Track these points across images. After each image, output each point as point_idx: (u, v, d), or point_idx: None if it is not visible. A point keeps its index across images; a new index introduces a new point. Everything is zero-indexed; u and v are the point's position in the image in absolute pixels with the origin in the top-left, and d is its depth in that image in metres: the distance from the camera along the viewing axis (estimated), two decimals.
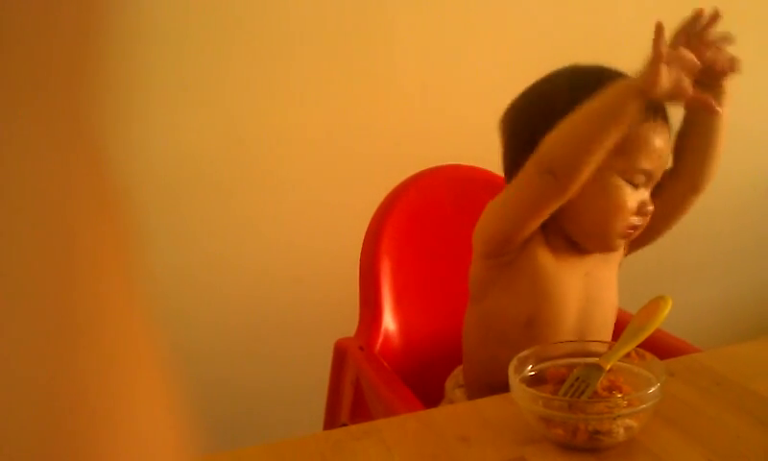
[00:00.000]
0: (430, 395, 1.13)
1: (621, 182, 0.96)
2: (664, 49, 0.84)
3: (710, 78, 0.91)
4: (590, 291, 1.02)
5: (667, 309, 0.89)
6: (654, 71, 0.84)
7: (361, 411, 1.16)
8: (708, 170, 1.01)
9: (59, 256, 0.14)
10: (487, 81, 1.76)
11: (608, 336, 1.05)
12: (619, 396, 0.80)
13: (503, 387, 0.84)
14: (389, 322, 1.27)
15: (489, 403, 0.88)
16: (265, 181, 1.69)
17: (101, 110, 0.15)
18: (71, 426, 0.14)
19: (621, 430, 0.77)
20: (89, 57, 0.15)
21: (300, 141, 1.70)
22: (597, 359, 0.86)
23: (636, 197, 0.97)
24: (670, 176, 1.02)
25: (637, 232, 1.00)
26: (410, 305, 1.29)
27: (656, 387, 0.78)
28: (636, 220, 0.98)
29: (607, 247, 1.01)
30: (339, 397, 1.27)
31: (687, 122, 1.00)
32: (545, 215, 0.94)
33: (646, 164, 0.95)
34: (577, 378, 0.84)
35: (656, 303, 0.92)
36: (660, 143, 0.96)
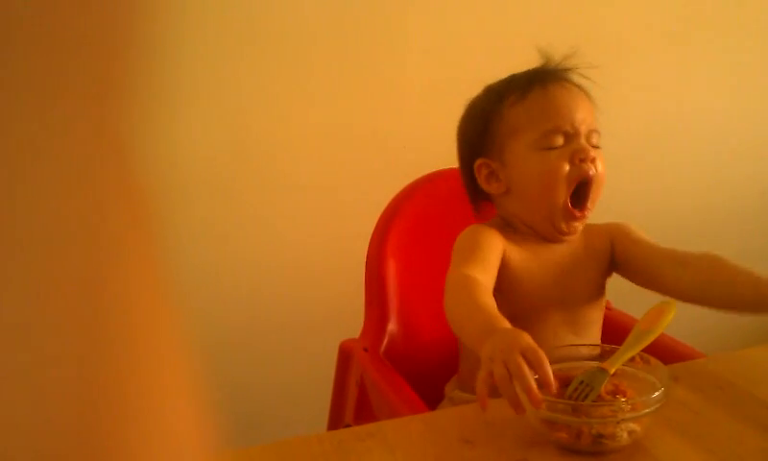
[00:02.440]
0: (434, 397, 1.14)
1: (540, 152, 0.99)
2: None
3: None
4: (567, 285, 1.04)
5: (672, 314, 0.90)
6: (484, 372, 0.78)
7: (365, 412, 1.16)
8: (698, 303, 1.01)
9: (90, 257, 0.15)
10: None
11: (596, 327, 1.07)
12: (623, 400, 0.81)
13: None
14: (394, 323, 1.27)
15: (492, 406, 0.88)
16: (272, 182, 1.69)
17: (126, 113, 0.16)
18: (104, 419, 0.14)
19: (625, 434, 0.77)
20: (115, 60, 0.15)
21: (307, 143, 1.70)
22: (602, 363, 0.86)
23: (562, 155, 0.99)
24: (675, 271, 1.02)
25: (594, 190, 1.00)
26: (415, 307, 1.29)
27: (660, 391, 0.78)
28: (574, 172, 0.98)
29: (559, 223, 1.01)
30: (343, 397, 1.27)
31: (734, 294, 0.97)
32: None
33: (558, 123, 0.99)
34: (581, 382, 0.84)
35: (660, 307, 0.92)
36: (564, 98, 1.01)
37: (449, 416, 0.88)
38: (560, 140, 0.99)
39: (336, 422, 1.30)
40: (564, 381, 0.86)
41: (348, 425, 1.22)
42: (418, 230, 1.33)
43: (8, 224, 0.13)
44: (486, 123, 1.05)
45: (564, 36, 1.83)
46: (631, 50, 1.84)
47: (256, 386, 1.74)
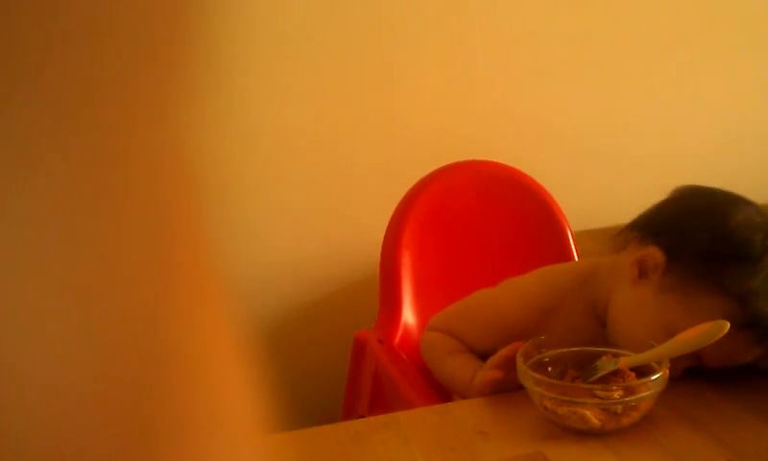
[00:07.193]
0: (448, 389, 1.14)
1: (663, 327, 0.88)
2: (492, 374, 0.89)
3: None
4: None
5: (719, 335, 0.82)
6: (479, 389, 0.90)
7: (379, 403, 1.17)
8: None
9: (157, 248, 0.16)
10: (509, 77, 1.75)
11: None
12: (615, 388, 0.81)
13: None
14: (408, 315, 1.27)
15: (507, 398, 0.88)
16: (286, 175, 1.70)
17: (182, 112, 0.17)
18: (166, 388, 0.16)
19: (621, 417, 0.78)
20: (170, 60, 0.16)
21: (322, 136, 1.70)
22: (623, 353, 0.87)
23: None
24: None
25: None
26: (429, 300, 1.30)
27: (658, 375, 0.79)
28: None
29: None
30: (358, 388, 1.28)
31: None
32: None
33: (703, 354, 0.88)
34: (593, 366, 0.85)
35: (710, 324, 0.84)
36: (729, 348, 0.86)
37: (464, 408, 0.88)
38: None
39: (350, 413, 1.30)
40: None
41: (362, 417, 1.23)
42: (432, 222, 1.33)
43: (75, 220, 0.15)
44: (699, 250, 0.89)
45: (580, 32, 1.83)
46: (635, 49, 1.83)
47: (271, 376, 1.75)
